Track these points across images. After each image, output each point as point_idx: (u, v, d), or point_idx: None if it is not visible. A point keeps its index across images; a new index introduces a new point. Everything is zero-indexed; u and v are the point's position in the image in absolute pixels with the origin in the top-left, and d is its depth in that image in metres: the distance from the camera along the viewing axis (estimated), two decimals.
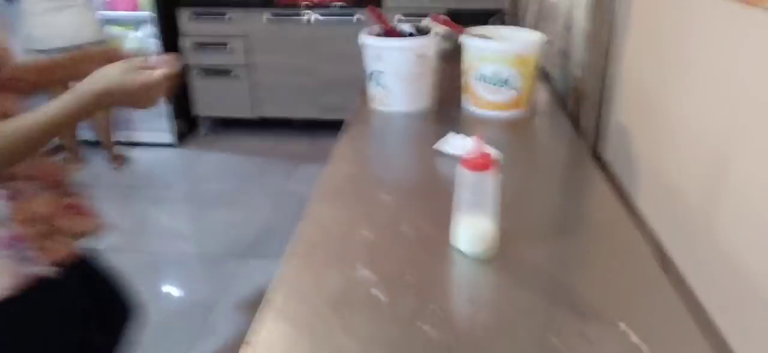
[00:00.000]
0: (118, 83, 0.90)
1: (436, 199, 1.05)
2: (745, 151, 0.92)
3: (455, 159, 1.21)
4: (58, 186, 1.04)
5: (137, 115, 3.82)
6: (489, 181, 0.85)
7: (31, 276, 0.94)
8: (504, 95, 1.45)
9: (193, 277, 2.49)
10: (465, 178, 0.85)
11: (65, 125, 0.91)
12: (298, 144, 3.86)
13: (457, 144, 1.24)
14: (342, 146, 1.32)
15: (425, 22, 2.49)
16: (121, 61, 0.91)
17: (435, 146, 1.26)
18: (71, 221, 1.06)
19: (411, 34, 1.58)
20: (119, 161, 3.56)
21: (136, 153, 3.77)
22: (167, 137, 3.83)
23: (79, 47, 3.15)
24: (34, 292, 0.94)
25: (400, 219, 0.98)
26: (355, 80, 3.66)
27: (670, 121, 1.23)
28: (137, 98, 0.91)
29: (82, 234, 1.09)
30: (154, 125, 3.82)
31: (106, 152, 3.54)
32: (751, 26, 0.90)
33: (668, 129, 1.24)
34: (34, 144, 0.89)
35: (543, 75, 2.10)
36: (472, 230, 0.88)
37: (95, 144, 3.69)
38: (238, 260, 2.56)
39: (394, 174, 1.20)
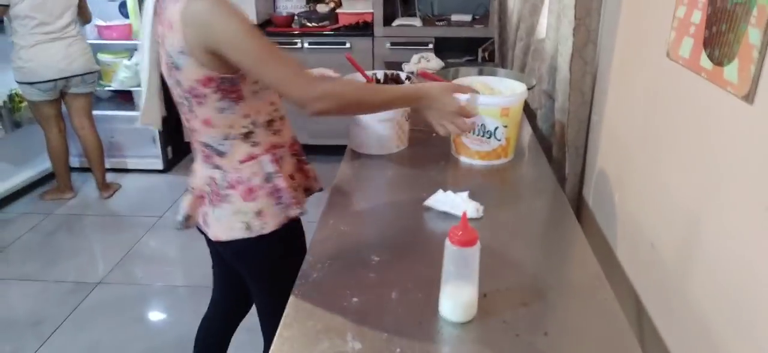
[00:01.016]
0: (439, 97, 1.26)
1: (424, 259, 1.09)
2: (717, 218, 0.97)
3: (443, 216, 1.27)
4: (296, 153, 1.36)
5: (129, 143, 3.84)
6: (473, 255, 0.89)
7: (289, 217, 1.27)
8: (490, 146, 1.50)
9: (182, 309, 2.50)
10: (451, 252, 0.89)
11: (400, 103, 1.34)
12: None
13: (445, 200, 1.28)
14: (333, 200, 1.36)
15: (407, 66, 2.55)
16: (450, 83, 1.31)
17: (425, 203, 1.30)
18: (304, 178, 1.39)
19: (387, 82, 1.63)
20: (108, 189, 3.56)
21: (125, 180, 3.78)
22: (157, 163, 3.85)
23: (68, 79, 3.16)
24: (288, 228, 1.28)
25: (389, 284, 1.02)
26: None
27: (648, 178, 1.28)
28: (444, 115, 1.26)
29: (309, 189, 1.41)
30: (144, 151, 3.84)
31: (95, 180, 3.55)
32: (719, 104, 0.95)
33: (645, 186, 1.29)
34: (382, 105, 1.28)
35: (528, 113, 2.16)
36: (456, 299, 0.92)
37: (86, 170, 3.70)
38: None
39: (384, 231, 1.24)
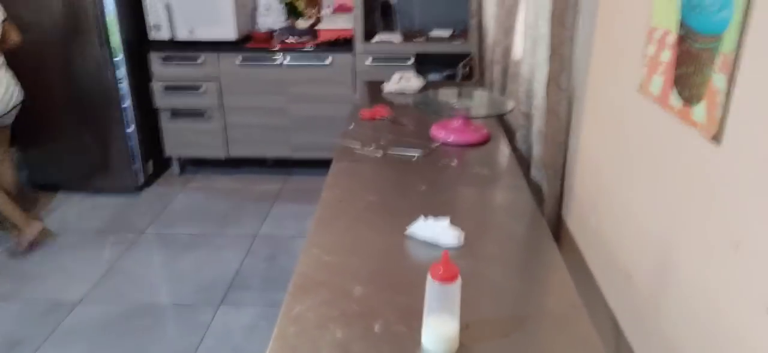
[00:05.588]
0: None
1: (406, 289, 1.11)
2: (688, 250, 1.01)
3: (425, 244, 1.29)
4: None
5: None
6: (454, 290, 0.92)
7: None
8: None
9: (166, 329, 2.49)
10: (433, 288, 0.92)
11: None
12: (271, 183, 3.89)
13: (426, 228, 1.31)
14: (317, 227, 1.37)
15: None
16: None
17: (406, 232, 1.32)
18: None
19: None
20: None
21: (104, 196, 3.73)
22: (137, 178, 3.81)
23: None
24: None
25: (372, 316, 1.04)
26: (326, 120, 3.74)
27: (622, 205, 1.32)
28: None
29: None
30: (123, 166, 3.80)
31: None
32: (688, 142, 0.99)
33: (620, 212, 1.34)
34: None
35: (508, 132, 2.20)
36: (438, 332, 0.95)
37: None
38: (212, 309, 2.58)
39: (366, 261, 1.25)
